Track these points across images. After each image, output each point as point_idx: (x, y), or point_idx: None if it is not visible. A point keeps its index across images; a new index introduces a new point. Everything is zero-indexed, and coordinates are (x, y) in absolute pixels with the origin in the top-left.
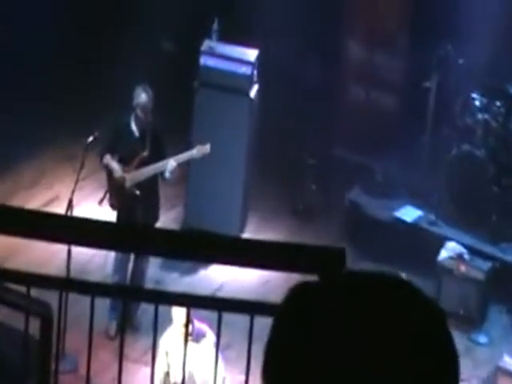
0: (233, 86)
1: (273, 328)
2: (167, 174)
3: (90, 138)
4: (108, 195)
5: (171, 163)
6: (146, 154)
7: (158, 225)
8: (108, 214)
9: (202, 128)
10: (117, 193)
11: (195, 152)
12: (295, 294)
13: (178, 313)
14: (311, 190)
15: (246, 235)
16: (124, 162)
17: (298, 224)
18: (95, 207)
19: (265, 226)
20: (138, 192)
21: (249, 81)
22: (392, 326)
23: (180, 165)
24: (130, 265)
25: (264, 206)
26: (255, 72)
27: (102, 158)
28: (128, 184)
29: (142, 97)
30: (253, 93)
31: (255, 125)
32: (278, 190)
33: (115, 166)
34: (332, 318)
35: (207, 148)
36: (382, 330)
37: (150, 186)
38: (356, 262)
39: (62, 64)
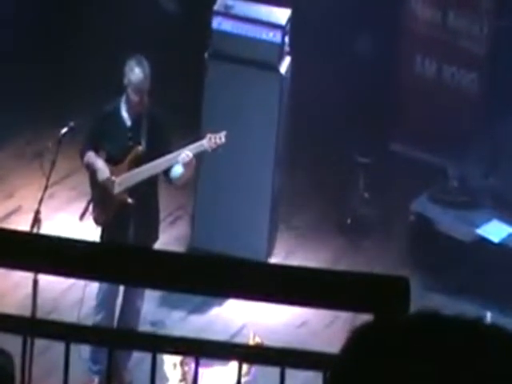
0: (256, 57)
1: None
2: (174, 172)
3: (65, 129)
4: (91, 206)
5: (185, 154)
6: (141, 148)
7: (157, 246)
8: (89, 231)
9: (215, 114)
10: (102, 202)
11: (206, 143)
12: (355, 344)
13: (172, 363)
14: (363, 198)
15: (275, 260)
16: (112, 160)
17: (345, 244)
18: (73, 222)
19: (301, 247)
20: (130, 200)
21: (278, 51)
22: None
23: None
24: (119, 300)
25: (300, 220)
26: (287, 39)
27: (82, 156)
28: (117, 190)
29: (136, 73)
30: (283, 67)
31: (287, 110)
32: (319, 199)
33: (100, 165)
34: (404, 377)
35: (221, 137)
36: None
37: (148, 193)
38: (424, 296)
39: (28, 29)
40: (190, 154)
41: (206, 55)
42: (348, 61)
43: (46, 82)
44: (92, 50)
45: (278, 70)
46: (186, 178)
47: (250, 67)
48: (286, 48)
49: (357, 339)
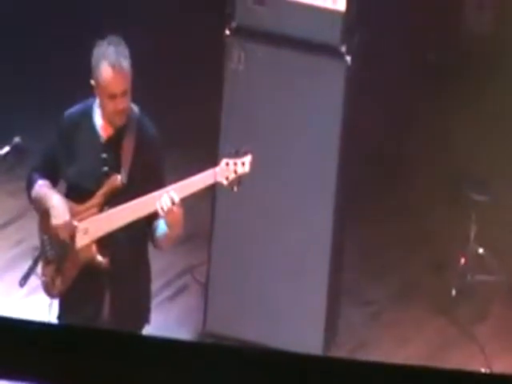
0: (307, 36)
1: None
2: (159, 228)
3: (6, 149)
4: (41, 265)
5: (167, 197)
6: (120, 177)
7: (148, 331)
8: (40, 307)
9: (239, 122)
10: (58, 260)
11: (219, 173)
12: None
13: None
14: (476, 256)
15: (337, 354)
16: (77, 194)
17: (449, 328)
18: (16, 293)
19: (378, 333)
20: (101, 259)
21: (342, 26)
22: None
23: (190, 201)
24: None
25: (375, 293)
26: (354, 10)
27: (30, 186)
28: (82, 241)
29: (103, 68)
30: (350, 51)
31: (354, 116)
32: (405, 258)
33: (56, 202)
34: None
35: (245, 163)
36: None
37: (131, 248)
38: None
39: None
40: (175, 198)
41: (226, 33)
42: (447, 42)
43: None
44: (52, 31)
45: (341, 55)
46: (171, 239)
47: (295, 51)
48: (353, 23)
49: None
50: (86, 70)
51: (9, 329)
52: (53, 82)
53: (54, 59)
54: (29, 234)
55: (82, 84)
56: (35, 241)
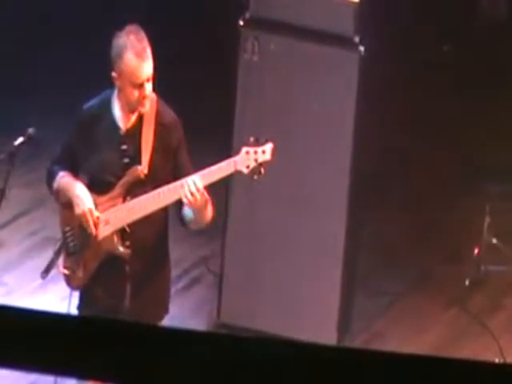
0: (321, 26)
1: None
2: (187, 213)
3: (20, 140)
4: (63, 256)
5: (192, 181)
6: (141, 168)
7: (166, 322)
8: (60, 299)
9: (254, 114)
10: (80, 251)
11: (240, 162)
12: None
13: None
14: (490, 246)
15: (351, 344)
16: (97, 186)
17: (462, 319)
18: (30, 286)
19: (392, 324)
20: (123, 250)
21: (356, 16)
22: None
23: (211, 190)
24: None
25: (390, 283)
26: (367, 0)
27: (51, 178)
28: (104, 232)
29: (128, 58)
30: (363, 41)
31: (369, 108)
32: (419, 249)
33: (80, 190)
34: None
35: (265, 151)
36: None
37: (152, 240)
38: None
39: None
40: (198, 183)
41: (240, 23)
42: (462, 32)
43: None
44: (64, 21)
45: (355, 46)
46: (199, 223)
47: (309, 41)
48: (368, 11)
49: None
50: (99, 61)
51: (25, 320)
52: (66, 73)
53: (68, 51)
54: (42, 225)
55: (96, 76)
56: (48, 232)
